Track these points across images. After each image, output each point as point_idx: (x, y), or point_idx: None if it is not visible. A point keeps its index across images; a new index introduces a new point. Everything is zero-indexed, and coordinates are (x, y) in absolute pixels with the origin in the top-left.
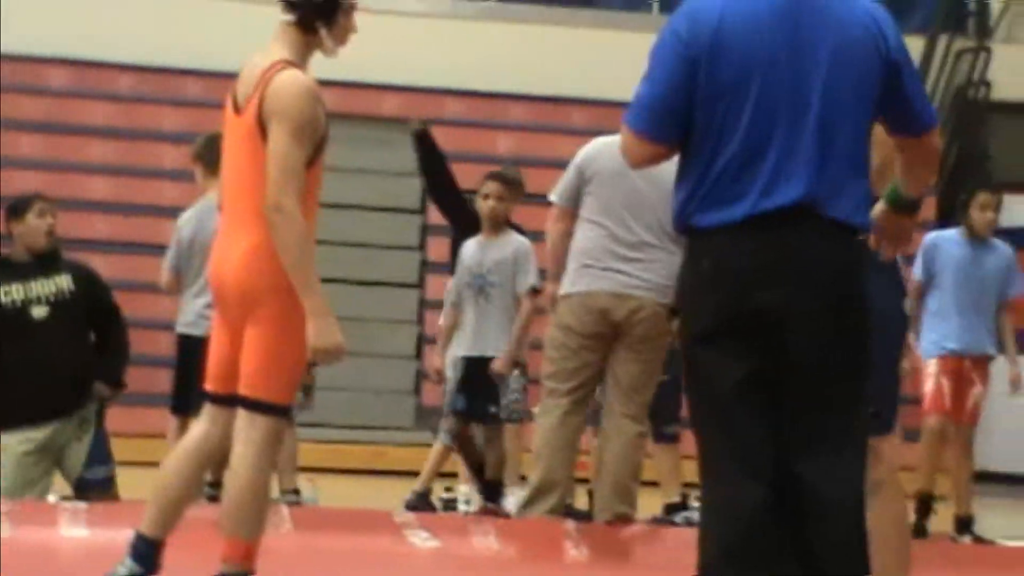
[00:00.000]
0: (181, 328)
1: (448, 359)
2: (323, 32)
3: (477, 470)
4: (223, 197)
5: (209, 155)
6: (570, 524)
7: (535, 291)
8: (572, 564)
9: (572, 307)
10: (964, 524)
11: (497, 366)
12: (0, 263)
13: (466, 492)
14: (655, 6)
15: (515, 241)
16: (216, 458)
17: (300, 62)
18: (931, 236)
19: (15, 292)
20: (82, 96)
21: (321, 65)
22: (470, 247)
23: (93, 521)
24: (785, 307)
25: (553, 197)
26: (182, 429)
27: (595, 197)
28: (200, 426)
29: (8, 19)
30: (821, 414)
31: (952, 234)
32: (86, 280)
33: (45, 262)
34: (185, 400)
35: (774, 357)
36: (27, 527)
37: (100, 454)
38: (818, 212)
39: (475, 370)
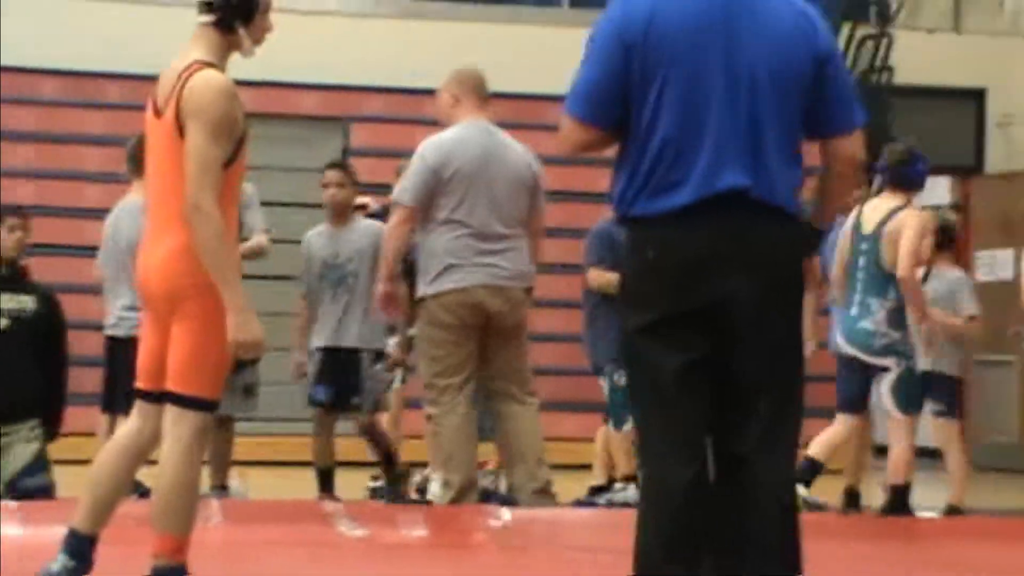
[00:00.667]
0: (107, 330)
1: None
2: (241, 32)
3: (387, 458)
4: (147, 199)
5: (133, 157)
6: (498, 508)
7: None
8: (505, 549)
9: (447, 304)
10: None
11: (395, 355)
12: None
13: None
14: (565, 2)
15: (370, 228)
16: (147, 453)
17: (218, 63)
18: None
19: None
20: (8, 102)
21: (239, 65)
22: (318, 239)
23: (26, 519)
24: (732, 293)
25: (404, 198)
26: (111, 427)
27: (453, 197)
28: (131, 423)
29: None
30: (764, 394)
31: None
32: (49, 308)
33: (14, 279)
34: (113, 399)
35: (720, 343)
36: None
37: (41, 463)
38: (757, 197)
39: (335, 361)
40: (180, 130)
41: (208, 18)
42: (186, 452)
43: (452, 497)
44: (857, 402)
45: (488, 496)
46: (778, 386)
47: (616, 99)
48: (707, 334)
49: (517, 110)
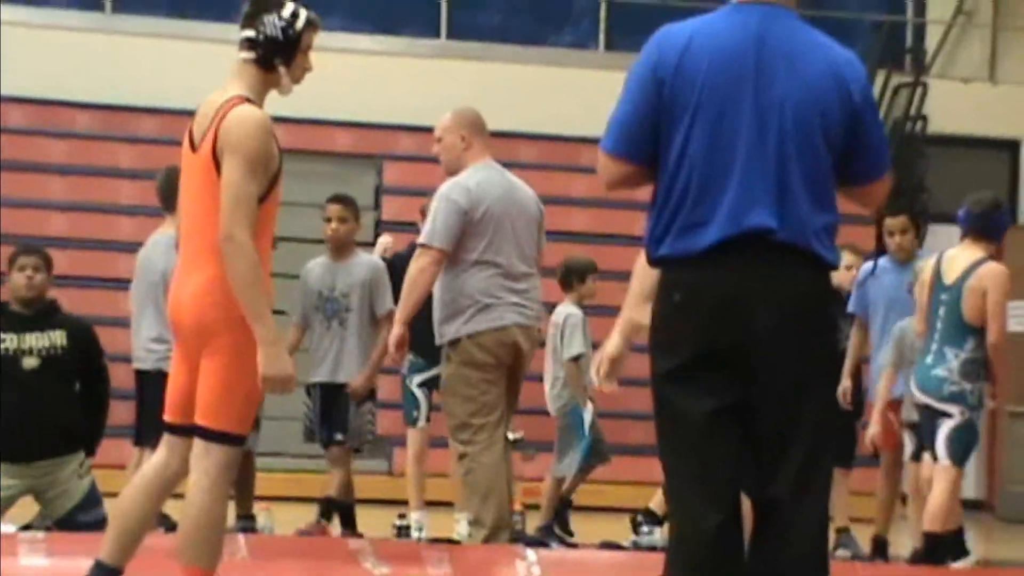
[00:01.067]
0: (134, 363)
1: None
2: (281, 70)
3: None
4: (181, 232)
5: (162, 191)
6: (524, 549)
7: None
8: None
9: (485, 344)
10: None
11: (357, 387)
12: (1, 308)
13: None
14: (601, 44)
15: (367, 263)
16: (173, 486)
17: (256, 99)
18: (863, 269)
19: (9, 341)
20: (41, 135)
21: (274, 101)
22: (316, 269)
23: (52, 550)
24: (759, 335)
25: (435, 241)
26: (140, 461)
27: (483, 238)
28: (159, 455)
29: None
30: (794, 438)
31: (884, 262)
32: (81, 338)
33: (41, 316)
34: (143, 432)
35: (747, 387)
36: None
37: (95, 497)
38: (783, 239)
39: (332, 397)
40: (216, 164)
41: (249, 55)
42: (213, 487)
43: (485, 536)
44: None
45: (515, 538)
46: (808, 429)
47: (648, 134)
48: (735, 378)
49: (550, 152)
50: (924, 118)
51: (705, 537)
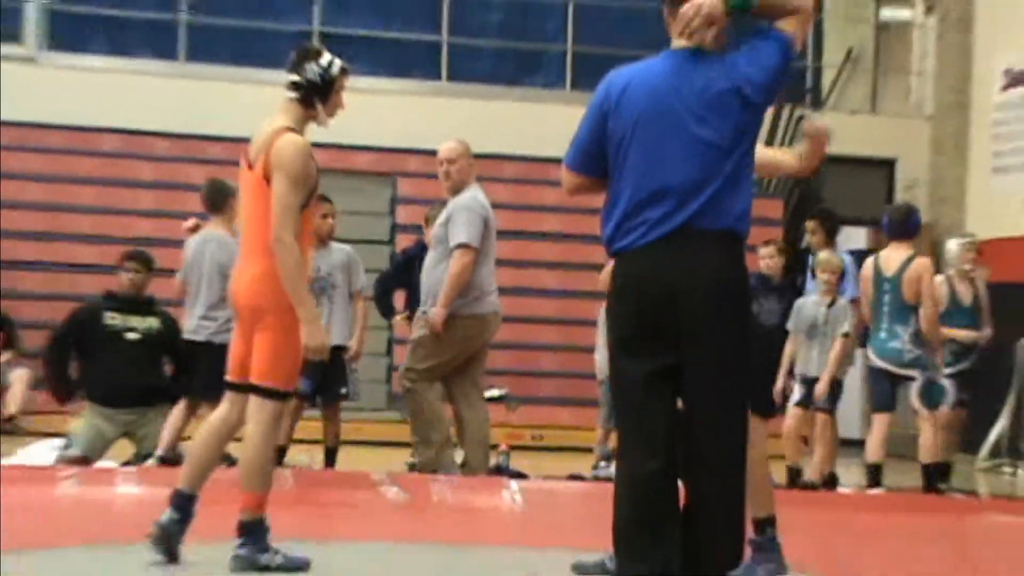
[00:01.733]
0: (185, 335)
1: None
2: (319, 107)
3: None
4: (241, 233)
5: (208, 197)
6: (507, 480)
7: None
8: (511, 513)
9: (472, 324)
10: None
11: (357, 351)
12: (111, 295)
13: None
14: (568, 84)
15: (343, 250)
16: (235, 432)
17: (299, 128)
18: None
19: (117, 319)
20: (131, 157)
21: (313, 131)
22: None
23: (142, 481)
24: (683, 314)
25: (473, 242)
26: (190, 412)
27: (486, 240)
28: (223, 408)
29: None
30: (708, 397)
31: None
32: (169, 326)
33: (143, 305)
34: (193, 388)
35: (675, 353)
36: (91, 485)
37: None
38: (701, 229)
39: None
40: (267, 179)
41: (294, 94)
42: (266, 432)
43: (435, 451)
44: (889, 403)
45: (499, 471)
46: (724, 390)
47: (597, 154)
48: (667, 348)
49: (527, 170)
50: None
51: (643, 480)
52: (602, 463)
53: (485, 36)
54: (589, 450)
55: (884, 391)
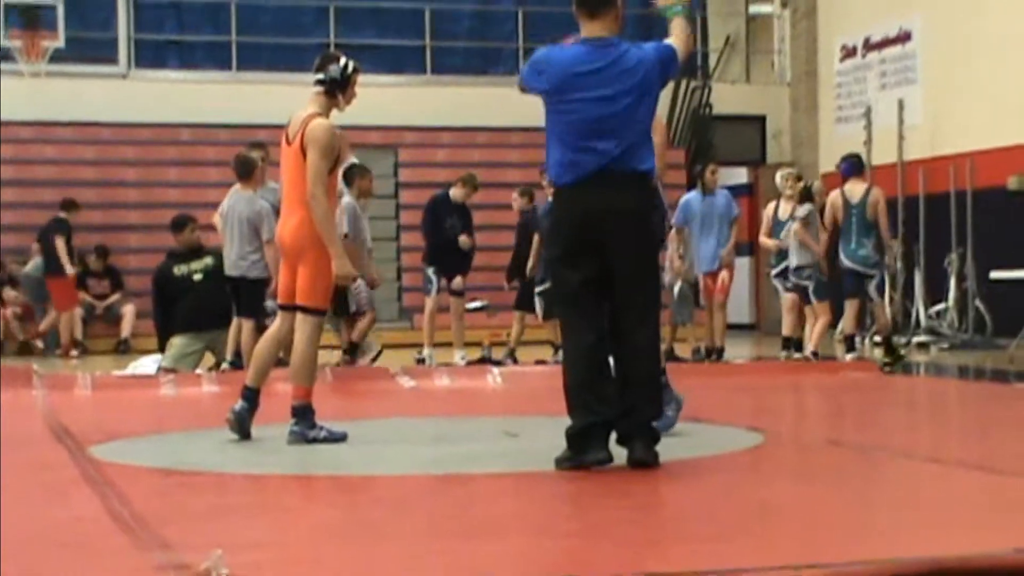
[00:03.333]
0: (227, 271)
1: None
2: (339, 97)
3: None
4: (283, 191)
5: (238, 167)
6: (491, 367)
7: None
8: (494, 392)
9: None
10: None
11: (370, 281)
12: (172, 253)
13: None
14: (427, 69)
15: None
16: (287, 341)
17: (325, 114)
18: (684, 198)
19: (183, 268)
20: (200, 144)
21: (336, 115)
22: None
23: (221, 381)
24: (604, 234)
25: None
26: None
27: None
28: (277, 323)
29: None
30: (631, 295)
31: (694, 194)
32: (220, 258)
33: (196, 252)
34: (239, 310)
35: (601, 265)
36: (183, 387)
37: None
38: (621, 168)
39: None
40: (303, 152)
41: (320, 89)
42: (310, 339)
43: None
44: (858, 292)
45: (484, 360)
46: (643, 290)
47: (535, 90)
48: (596, 260)
49: (495, 137)
50: (710, 106)
51: (585, 348)
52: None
53: (458, 39)
54: (547, 342)
55: (854, 284)
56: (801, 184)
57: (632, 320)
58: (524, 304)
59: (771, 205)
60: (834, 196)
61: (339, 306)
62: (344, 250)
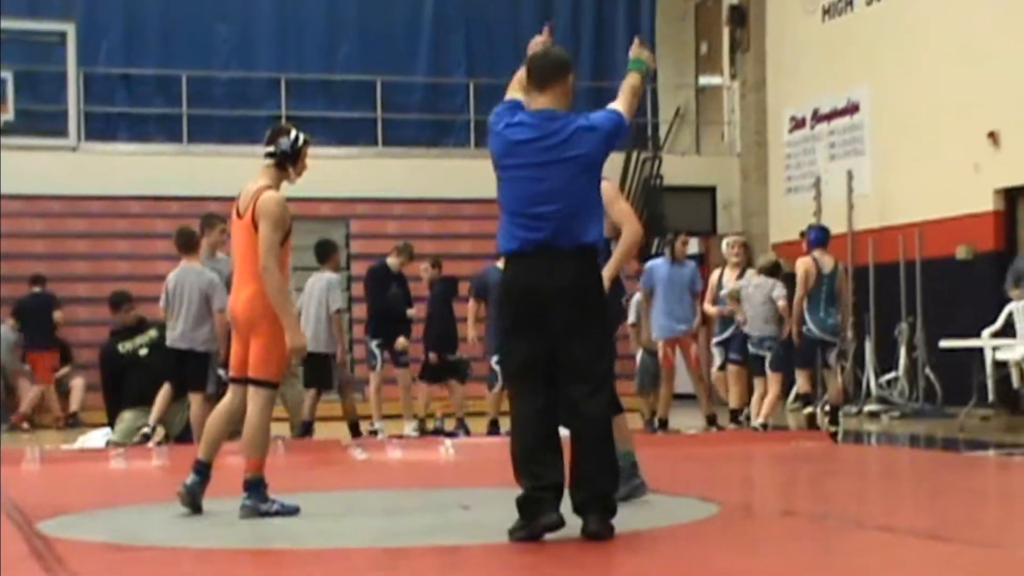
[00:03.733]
0: (171, 344)
1: None
2: (290, 169)
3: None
4: (235, 265)
5: (179, 240)
6: (444, 439)
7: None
8: (446, 463)
9: None
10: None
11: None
12: (115, 331)
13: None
14: (472, 143)
15: (321, 278)
16: (239, 415)
17: (275, 187)
18: (649, 263)
19: (127, 344)
20: (150, 216)
21: (287, 187)
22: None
23: (171, 456)
24: (546, 308)
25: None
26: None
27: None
28: (228, 397)
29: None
30: (579, 367)
31: (660, 260)
32: (163, 331)
33: (139, 327)
34: (187, 384)
35: (548, 339)
36: (133, 461)
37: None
38: (561, 241)
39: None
40: (255, 225)
41: (270, 161)
42: (263, 411)
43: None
44: (813, 363)
45: (437, 432)
46: (592, 362)
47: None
48: (542, 331)
49: (446, 208)
50: (661, 177)
51: (533, 415)
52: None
53: (409, 111)
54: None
55: (812, 353)
56: (743, 254)
57: (582, 392)
58: (430, 375)
59: (716, 272)
60: (807, 264)
61: (321, 378)
62: (298, 323)
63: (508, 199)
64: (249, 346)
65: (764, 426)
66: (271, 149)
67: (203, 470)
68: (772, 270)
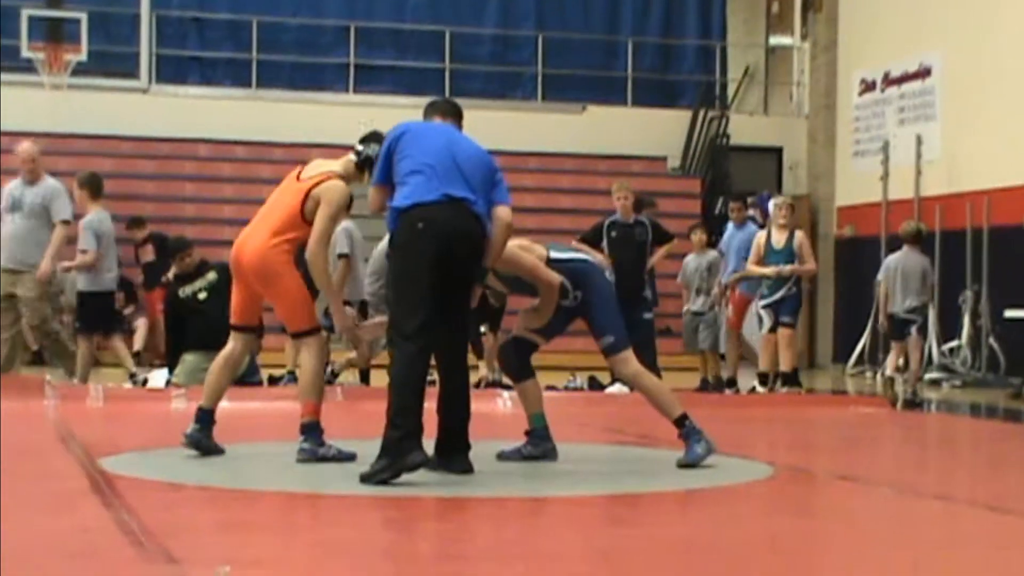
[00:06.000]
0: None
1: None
2: (365, 173)
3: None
4: (263, 209)
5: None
6: (500, 391)
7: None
8: (503, 415)
9: None
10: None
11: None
12: (176, 276)
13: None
14: (539, 97)
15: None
16: (240, 362)
17: (347, 179)
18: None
19: (187, 289)
20: (217, 160)
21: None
22: None
23: (231, 397)
24: (456, 252)
25: None
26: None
27: None
28: (230, 344)
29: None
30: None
31: (729, 225)
32: (223, 272)
33: (200, 269)
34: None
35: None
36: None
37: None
38: (469, 206)
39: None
40: (306, 196)
41: (355, 158)
42: (316, 357)
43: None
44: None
45: (494, 384)
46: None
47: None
48: (445, 272)
49: (509, 161)
50: (728, 136)
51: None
52: (570, 378)
53: (477, 63)
54: (560, 367)
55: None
56: (791, 215)
57: (456, 321)
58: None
59: (762, 233)
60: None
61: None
62: (343, 305)
63: (415, 177)
64: (251, 294)
65: (915, 393)
66: (361, 148)
67: (205, 417)
68: (915, 238)
